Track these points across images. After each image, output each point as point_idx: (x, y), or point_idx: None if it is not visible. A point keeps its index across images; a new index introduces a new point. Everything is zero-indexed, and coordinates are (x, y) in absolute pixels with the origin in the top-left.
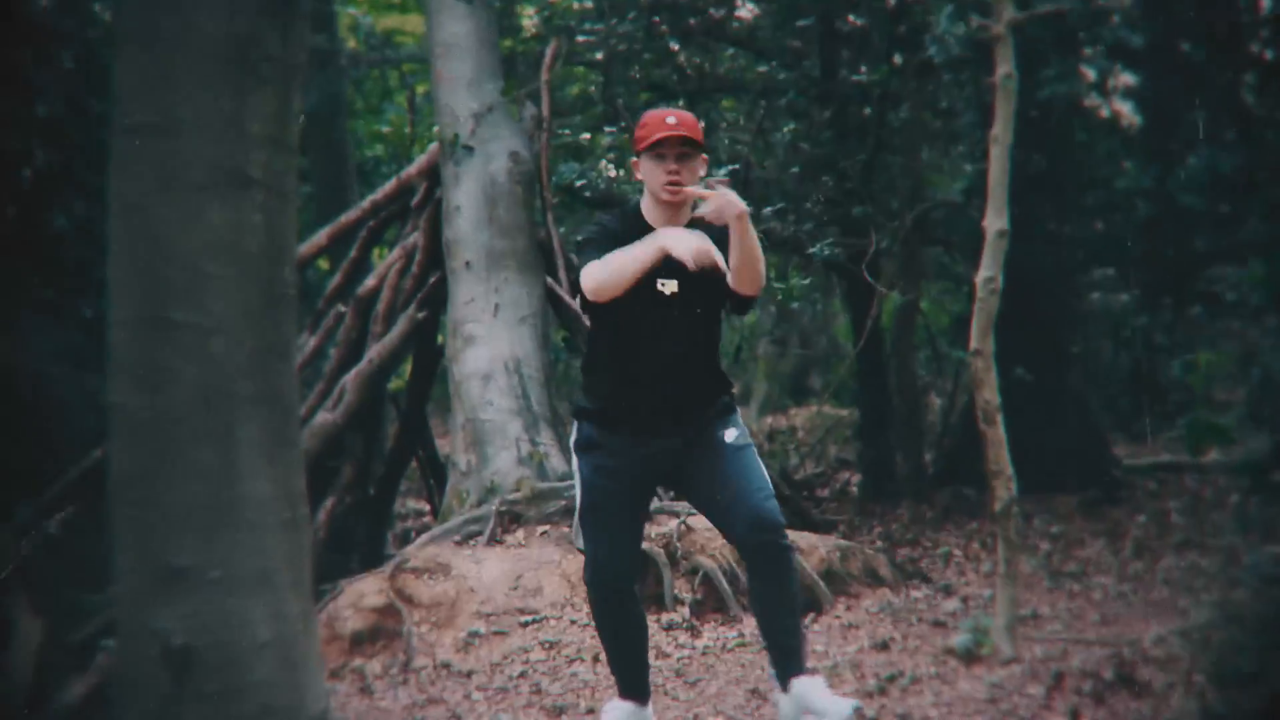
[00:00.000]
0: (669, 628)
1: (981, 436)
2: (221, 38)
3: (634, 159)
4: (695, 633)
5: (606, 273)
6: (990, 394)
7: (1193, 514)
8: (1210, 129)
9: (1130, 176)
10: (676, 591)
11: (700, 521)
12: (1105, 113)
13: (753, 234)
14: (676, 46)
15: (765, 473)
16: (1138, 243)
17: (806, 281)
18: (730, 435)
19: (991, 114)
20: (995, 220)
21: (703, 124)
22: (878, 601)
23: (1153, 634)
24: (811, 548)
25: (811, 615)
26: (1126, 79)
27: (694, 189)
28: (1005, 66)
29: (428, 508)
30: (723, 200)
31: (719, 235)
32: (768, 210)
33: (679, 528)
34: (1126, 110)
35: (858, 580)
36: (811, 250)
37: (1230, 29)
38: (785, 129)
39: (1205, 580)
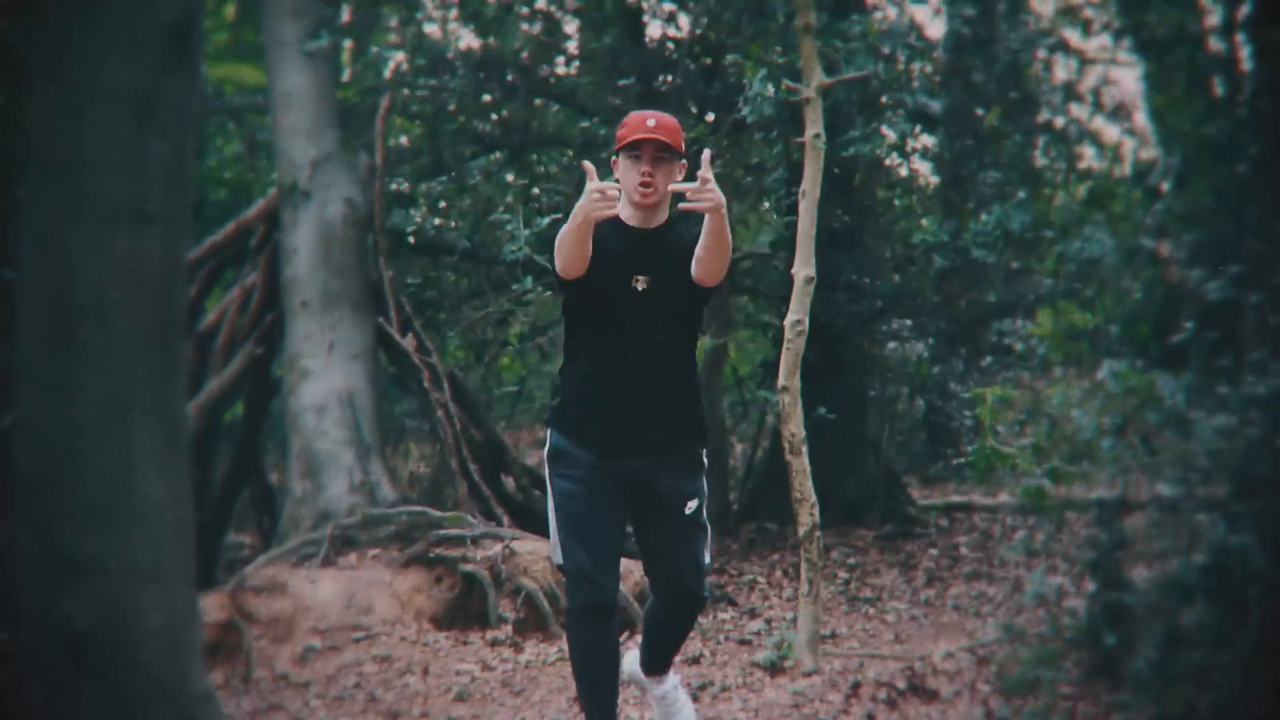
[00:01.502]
0: (493, 644)
1: (787, 467)
2: (129, 87)
3: (613, 158)
4: (518, 648)
5: (557, 247)
6: (796, 427)
7: (981, 547)
8: (1001, 188)
9: (927, 232)
10: (500, 610)
11: (524, 545)
12: (905, 172)
13: (727, 229)
14: (497, 100)
15: (707, 548)
16: (933, 294)
17: None
18: (690, 507)
19: (800, 171)
20: (803, 268)
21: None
22: None
23: (942, 650)
24: (628, 571)
25: (626, 633)
26: (926, 140)
27: (676, 184)
28: (814, 128)
29: (248, 540)
30: (705, 190)
31: (691, 240)
32: None
33: (504, 550)
34: (925, 169)
35: None
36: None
37: (1023, 96)
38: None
39: (991, 605)
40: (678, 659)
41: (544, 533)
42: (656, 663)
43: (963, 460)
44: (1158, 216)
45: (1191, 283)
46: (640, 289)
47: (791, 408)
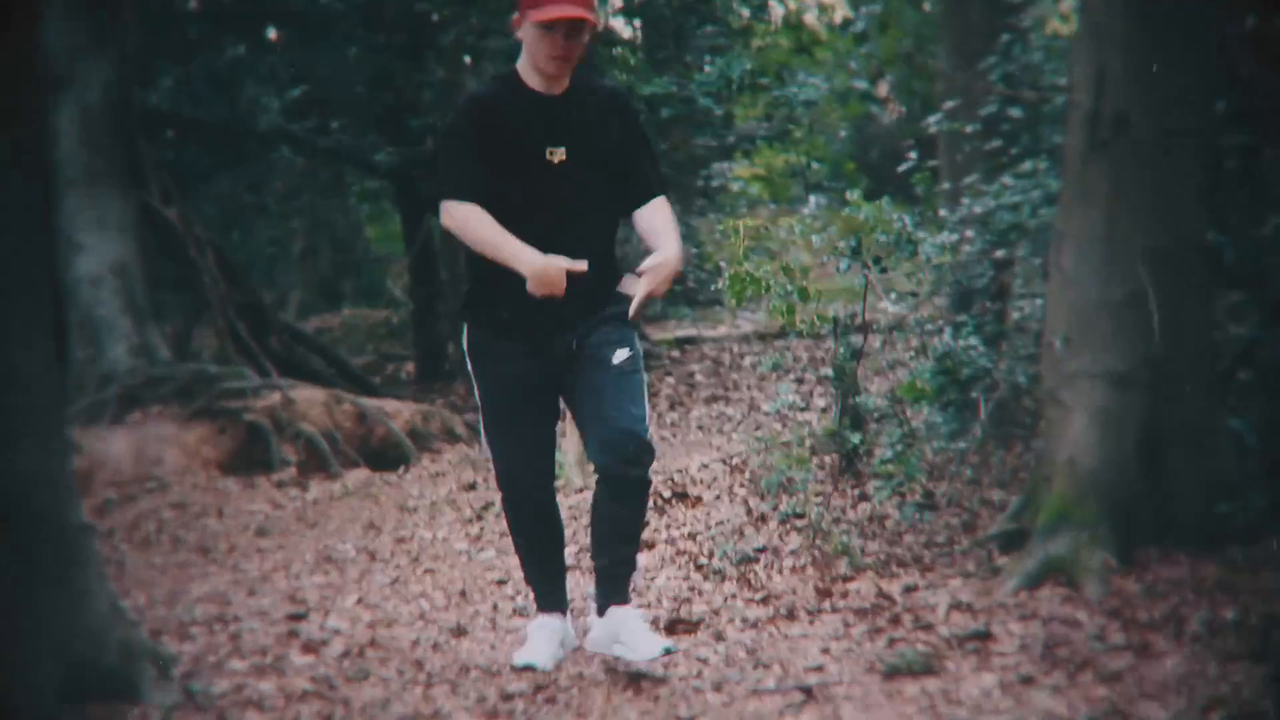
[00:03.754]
0: (279, 485)
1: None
2: None
3: (515, 16)
4: (303, 488)
5: (468, 235)
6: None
7: (714, 374)
8: (715, 41)
9: (656, 85)
10: (283, 454)
11: (300, 393)
12: (629, 33)
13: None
14: None
15: (646, 402)
16: (660, 142)
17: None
18: (619, 357)
19: None
20: None
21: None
22: (458, 454)
23: (698, 462)
24: (396, 411)
25: (402, 468)
26: None
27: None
28: None
29: None
30: (659, 278)
31: (602, 110)
32: (335, 124)
33: (281, 399)
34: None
35: (438, 438)
36: (378, 156)
37: None
38: (350, 51)
39: (731, 423)
40: (454, 487)
41: (312, 381)
42: (613, 582)
43: (692, 306)
44: (863, 60)
45: (905, 118)
46: (556, 161)
47: None
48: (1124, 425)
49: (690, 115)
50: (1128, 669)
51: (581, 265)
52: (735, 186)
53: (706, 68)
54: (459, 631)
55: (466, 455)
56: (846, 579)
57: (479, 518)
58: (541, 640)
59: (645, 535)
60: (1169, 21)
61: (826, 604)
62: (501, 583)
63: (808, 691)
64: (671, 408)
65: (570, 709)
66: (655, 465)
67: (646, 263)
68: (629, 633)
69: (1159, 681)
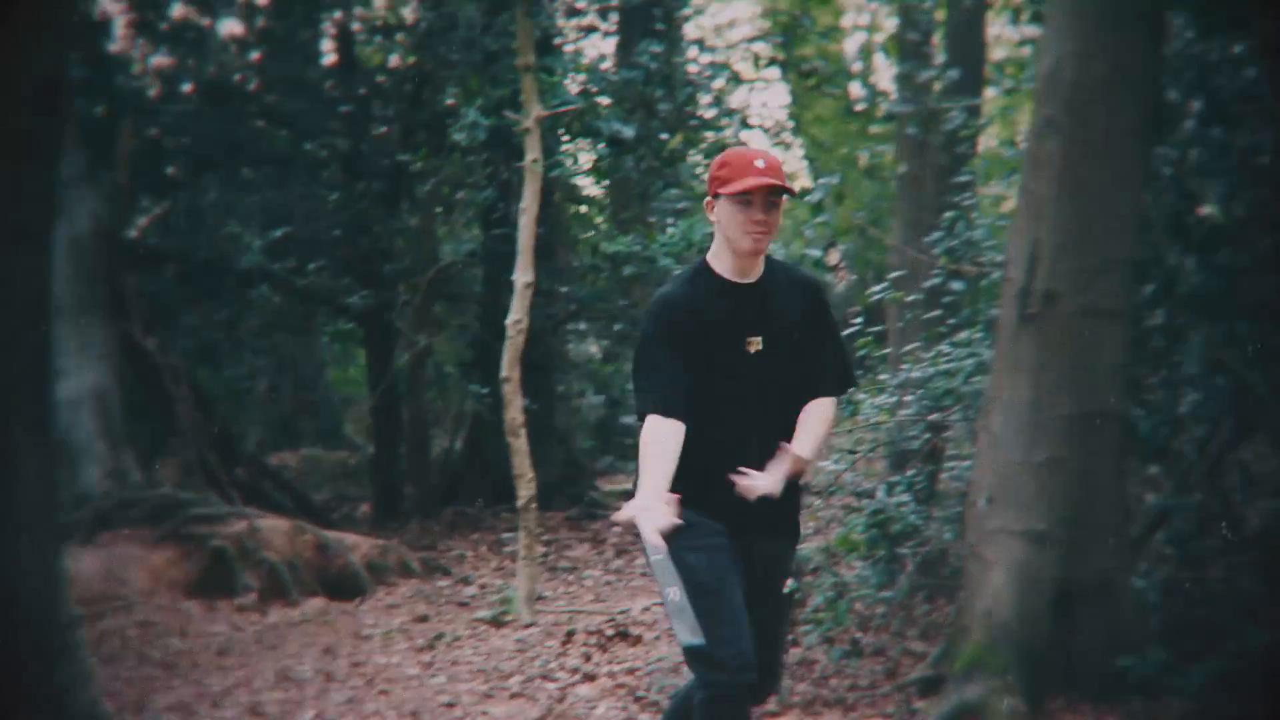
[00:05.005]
0: (240, 609)
1: (507, 448)
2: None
3: (708, 199)
4: (264, 613)
5: (641, 451)
6: (516, 412)
7: None
8: (678, 203)
9: (619, 244)
10: (246, 580)
11: (266, 523)
12: (597, 191)
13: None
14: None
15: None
16: (620, 298)
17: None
18: (788, 584)
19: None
20: (524, 274)
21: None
22: (412, 588)
23: (640, 605)
24: (356, 544)
25: (359, 599)
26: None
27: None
28: (533, 153)
29: None
30: (784, 472)
31: (796, 303)
32: (311, 266)
33: (248, 527)
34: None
35: (394, 571)
36: (351, 300)
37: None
38: (331, 197)
39: None
40: (407, 618)
41: (273, 512)
42: None
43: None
44: (819, 229)
45: (855, 286)
46: (753, 351)
47: (513, 395)
48: (1039, 580)
49: (651, 274)
50: None
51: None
52: None
53: (669, 229)
54: None
55: (421, 589)
56: (775, 715)
57: (431, 647)
58: None
59: (588, 669)
60: (1097, 202)
61: None
62: (451, 705)
63: None
64: (617, 555)
65: None
66: (599, 606)
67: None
68: None
69: None
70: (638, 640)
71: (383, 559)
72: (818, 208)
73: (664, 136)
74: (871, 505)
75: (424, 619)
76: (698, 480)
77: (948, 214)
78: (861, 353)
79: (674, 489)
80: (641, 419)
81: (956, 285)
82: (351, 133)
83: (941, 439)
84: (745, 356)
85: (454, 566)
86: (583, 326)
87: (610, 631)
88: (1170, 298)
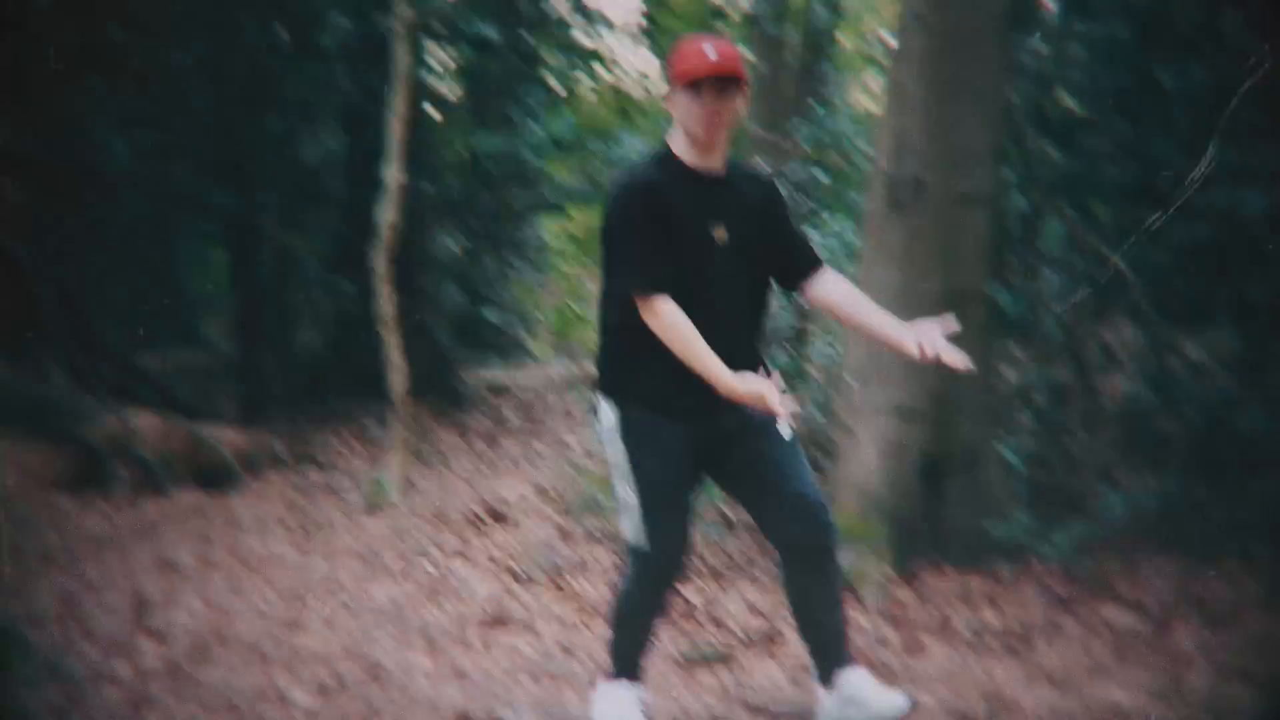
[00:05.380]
0: (114, 503)
1: (375, 343)
2: None
3: (665, 92)
4: (138, 505)
5: (674, 342)
6: (389, 307)
7: (522, 413)
8: (540, 102)
9: (489, 142)
10: (120, 475)
11: (138, 419)
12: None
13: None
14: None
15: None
16: (488, 198)
17: None
18: (787, 432)
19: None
20: (396, 175)
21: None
22: (284, 479)
23: (513, 489)
24: (227, 438)
25: (232, 490)
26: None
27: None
28: (404, 55)
29: None
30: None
31: (758, 200)
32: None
33: (119, 423)
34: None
35: (265, 463)
36: (216, 201)
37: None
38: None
39: (540, 455)
40: (281, 507)
41: (146, 409)
42: (833, 651)
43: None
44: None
45: None
46: (719, 241)
47: (385, 290)
48: (909, 454)
49: (516, 171)
50: (900, 665)
51: (775, 382)
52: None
53: (533, 126)
54: (295, 625)
55: (292, 480)
56: None
57: (307, 533)
58: (633, 707)
59: (464, 550)
60: (962, 93)
61: None
62: (333, 588)
63: None
64: (486, 443)
65: None
66: (471, 492)
67: (902, 333)
68: (864, 693)
69: (929, 675)
70: (511, 522)
71: (254, 450)
72: None
73: (524, 35)
74: None
75: (298, 508)
76: (660, 379)
77: (811, 101)
78: None
79: (631, 389)
80: (622, 300)
81: (820, 174)
82: (215, 40)
83: (808, 324)
84: (712, 247)
85: (323, 458)
86: (445, 224)
87: (484, 514)
88: (1032, 183)
